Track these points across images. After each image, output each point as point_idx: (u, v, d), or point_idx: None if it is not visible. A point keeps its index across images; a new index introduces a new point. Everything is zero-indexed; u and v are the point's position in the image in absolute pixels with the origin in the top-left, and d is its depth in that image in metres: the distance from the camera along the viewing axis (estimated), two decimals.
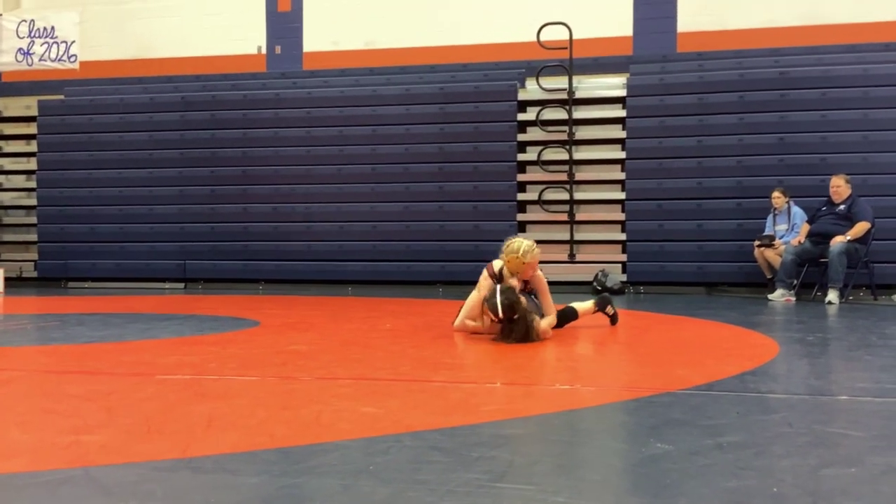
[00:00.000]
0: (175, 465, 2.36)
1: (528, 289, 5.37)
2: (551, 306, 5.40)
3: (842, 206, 8.62)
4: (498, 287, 5.08)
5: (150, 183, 11.41)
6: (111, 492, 2.15)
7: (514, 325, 4.95)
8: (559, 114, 10.59)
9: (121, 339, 5.35)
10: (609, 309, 5.88)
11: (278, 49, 12.45)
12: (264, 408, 3.16)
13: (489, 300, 5.05)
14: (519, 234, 5.76)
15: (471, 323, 5.43)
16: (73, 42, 11.31)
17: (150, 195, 11.37)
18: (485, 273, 5.44)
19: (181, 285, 11.04)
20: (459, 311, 5.63)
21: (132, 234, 11.30)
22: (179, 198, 11.32)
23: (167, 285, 11.05)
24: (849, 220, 8.52)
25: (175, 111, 11.60)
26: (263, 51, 12.52)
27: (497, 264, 5.42)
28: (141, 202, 11.37)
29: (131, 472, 2.31)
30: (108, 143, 11.64)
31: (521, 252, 5.26)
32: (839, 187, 8.67)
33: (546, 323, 5.21)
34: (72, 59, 11.32)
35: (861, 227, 8.44)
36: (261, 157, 11.20)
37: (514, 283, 5.21)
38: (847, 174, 8.82)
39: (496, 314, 4.99)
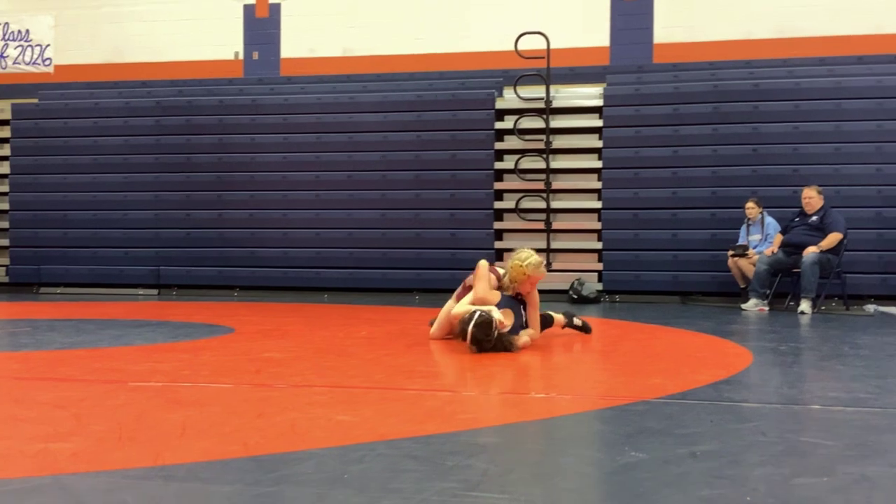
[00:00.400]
0: (147, 474, 2.33)
1: (520, 298, 5.27)
2: (537, 322, 5.32)
3: (814, 217, 8.72)
4: (477, 314, 4.87)
5: (125, 188, 11.31)
6: (82, 500, 2.12)
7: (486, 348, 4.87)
8: (536, 123, 10.63)
9: (93, 346, 5.29)
10: (576, 321, 5.82)
11: (255, 55, 12.41)
12: (238, 416, 3.13)
13: (464, 323, 4.90)
14: (528, 247, 5.57)
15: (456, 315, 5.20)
16: (48, 45, 11.24)
17: (125, 200, 11.28)
18: (492, 276, 5.28)
19: (155, 291, 10.95)
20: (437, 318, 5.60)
21: (106, 240, 11.19)
22: (154, 203, 11.24)
23: (141, 291, 10.95)
24: (821, 230, 8.61)
25: (150, 116, 11.52)
26: (240, 56, 12.48)
27: (502, 271, 5.34)
28: (115, 207, 11.27)
29: (102, 480, 2.28)
30: (83, 148, 11.53)
31: (526, 262, 5.12)
32: (811, 198, 8.77)
33: (527, 336, 5.15)
34: (46, 62, 11.24)
35: (833, 238, 8.53)
36: (237, 163, 11.15)
37: (499, 315, 4.94)
38: (819, 185, 8.92)
39: (463, 338, 4.90)
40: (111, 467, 2.40)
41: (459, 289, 5.66)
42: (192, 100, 11.57)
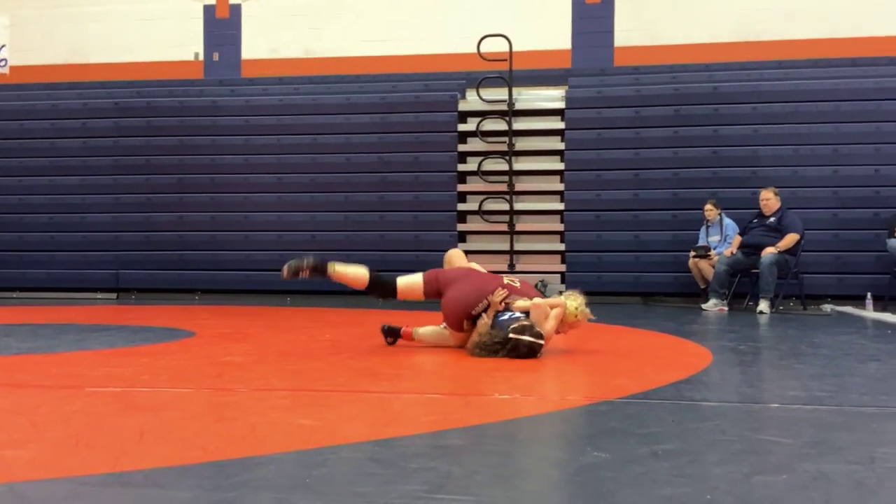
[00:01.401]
0: (105, 480, 2.29)
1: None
2: (550, 332, 5.02)
3: (772, 219, 8.85)
4: (542, 341, 4.66)
5: (83, 191, 11.15)
6: None
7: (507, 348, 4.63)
8: (499, 125, 10.67)
9: (50, 351, 5.20)
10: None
11: (216, 56, 12.31)
12: (197, 420, 3.09)
13: (523, 327, 4.63)
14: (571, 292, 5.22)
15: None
16: (3, 46, 11.05)
17: (83, 203, 11.11)
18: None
19: (114, 295, 10.80)
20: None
21: (63, 243, 11.01)
22: (113, 206, 11.08)
23: (99, 295, 10.79)
24: (779, 231, 8.74)
25: (109, 118, 11.37)
26: (201, 57, 12.36)
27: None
28: (73, 210, 11.10)
29: (59, 487, 2.24)
30: (40, 150, 11.35)
31: (575, 307, 4.93)
32: (769, 200, 8.90)
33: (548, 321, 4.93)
34: (1, 63, 11.04)
35: (791, 239, 8.66)
36: (197, 165, 11.04)
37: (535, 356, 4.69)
38: (777, 187, 9.05)
39: (507, 333, 4.64)
40: (68, 474, 2.35)
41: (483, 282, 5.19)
42: (151, 101, 11.43)
